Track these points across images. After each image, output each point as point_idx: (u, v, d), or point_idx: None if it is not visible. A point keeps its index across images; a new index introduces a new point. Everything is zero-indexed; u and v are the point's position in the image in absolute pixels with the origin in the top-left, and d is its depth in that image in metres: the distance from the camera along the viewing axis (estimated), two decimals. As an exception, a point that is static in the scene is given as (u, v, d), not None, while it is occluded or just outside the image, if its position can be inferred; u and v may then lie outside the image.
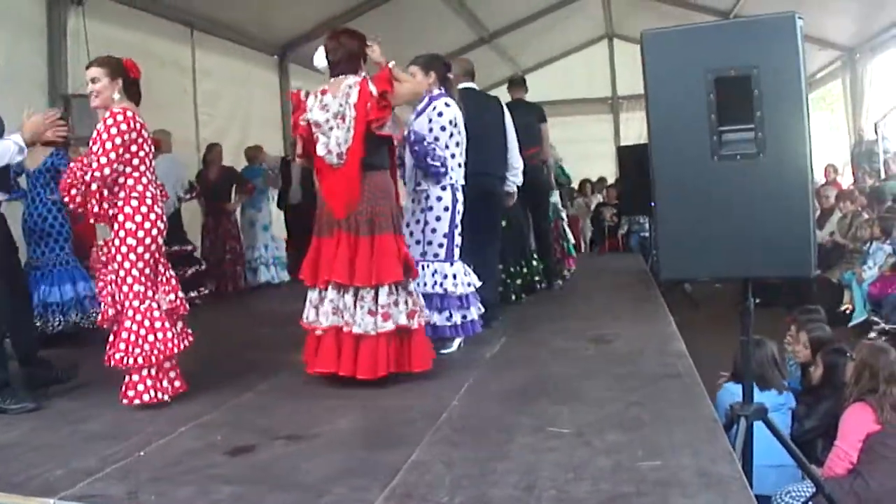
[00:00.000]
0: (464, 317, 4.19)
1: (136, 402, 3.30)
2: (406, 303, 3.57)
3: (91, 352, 3.76)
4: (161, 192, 3.50)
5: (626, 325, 4.86)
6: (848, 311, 6.94)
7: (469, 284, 4.20)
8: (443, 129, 4.14)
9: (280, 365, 4.04)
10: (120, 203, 3.33)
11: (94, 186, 3.26)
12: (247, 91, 9.02)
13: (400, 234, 3.69)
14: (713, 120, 2.68)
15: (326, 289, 3.55)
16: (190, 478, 2.50)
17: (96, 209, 3.31)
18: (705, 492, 2.20)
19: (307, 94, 3.66)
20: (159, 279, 3.44)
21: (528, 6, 11.41)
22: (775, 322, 5.09)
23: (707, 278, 4.36)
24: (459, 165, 4.21)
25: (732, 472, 2.33)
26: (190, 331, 3.59)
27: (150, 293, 3.36)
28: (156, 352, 3.30)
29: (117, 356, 3.30)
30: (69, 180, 3.34)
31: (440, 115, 4.14)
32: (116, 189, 3.33)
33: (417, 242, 4.12)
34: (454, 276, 4.13)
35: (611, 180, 12.25)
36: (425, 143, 4.04)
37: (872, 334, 6.38)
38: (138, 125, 3.34)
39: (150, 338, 3.30)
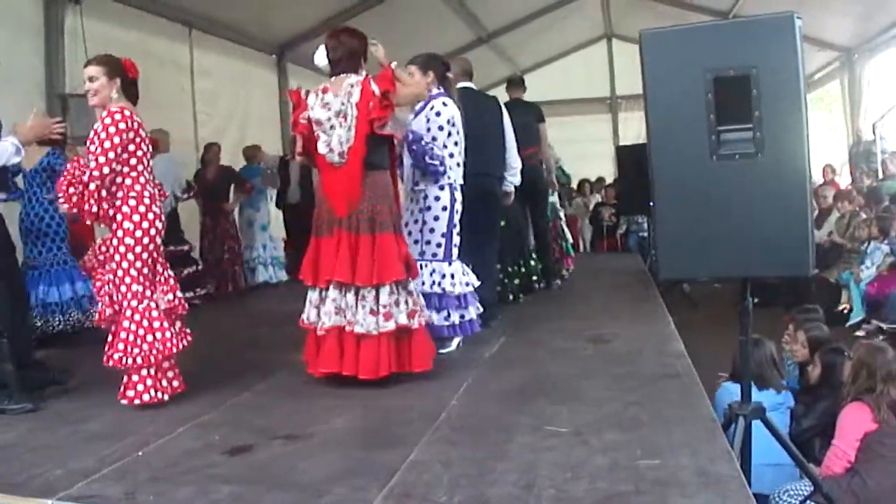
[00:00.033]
0: (462, 316, 4.19)
1: (136, 402, 3.30)
2: (406, 302, 3.57)
3: (89, 352, 3.75)
4: (159, 191, 3.50)
5: (625, 324, 4.86)
6: (846, 311, 6.95)
7: (467, 284, 4.20)
8: (440, 128, 4.14)
9: (278, 365, 4.03)
10: (118, 203, 3.32)
11: (92, 186, 3.25)
12: (245, 90, 9.01)
13: (400, 234, 3.69)
14: (712, 120, 2.68)
15: (328, 288, 3.54)
16: (188, 478, 2.50)
17: (94, 209, 3.29)
18: (704, 491, 2.20)
19: (307, 93, 3.66)
20: (157, 279, 3.44)
21: (526, 6, 11.41)
22: (774, 322, 5.09)
23: (706, 278, 4.36)
24: (458, 165, 4.21)
25: (731, 471, 2.34)
26: (188, 330, 3.59)
27: (148, 293, 3.36)
28: (154, 352, 3.30)
29: (116, 356, 3.30)
30: (66, 181, 3.33)
31: (438, 114, 4.14)
32: (114, 189, 3.32)
33: (416, 242, 4.11)
34: (452, 276, 4.13)
35: (609, 180, 12.27)
36: (423, 143, 4.04)
37: (860, 332, 6.42)
38: (136, 125, 3.34)
39: (149, 338, 3.30)
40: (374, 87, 3.47)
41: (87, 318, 4.87)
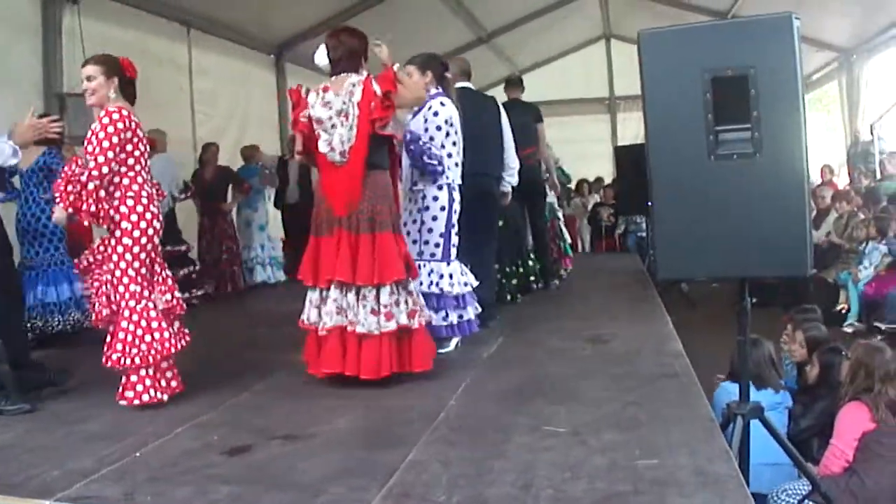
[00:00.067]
0: (460, 317, 4.19)
1: (136, 402, 3.29)
2: (406, 302, 3.57)
3: (88, 352, 3.75)
4: (157, 191, 3.50)
5: (623, 324, 4.87)
6: (844, 311, 6.95)
7: (466, 284, 4.20)
8: (438, 128, 4.14)
9: (277, 365, 4.03)
10: (116, 203, 3.31)
11: (91, 186, 3.24)
12: (244, 90, 9.01)
13: (399, 234, 3.69)
14: (710, 120, 2.68)
15: (328, 288, 3.53)
16: (187, 478, 2.49)
17: (93, 208, 3.28)
18: (702, 490, 2.20)
19: (307, 91, 3.66)
20: (156, 279, 3.43)
21: (525, 6, 11.42)
22: (772, 322, 5.09)
23: (704, 278, 4.36)
24: (456, 165, 4.21)
25: (729, 470, 2.34)
26: (187, 331, 3.58)
27: (146, 293, 3.35)
28: (153, 352, 3.30)
29: (114, 356, 3.30)
30: (64, 180, 3.31)
31: (436, 114, 4.14)
32: (112, 189, 3.31)
33: (414, 242, 4.11)
34: (450, 276, 4.13)
35: (608, 180, 12.28)
36: (421, 143, 4.04)
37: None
38: (133, 124, 3.33)
39: (147, 338, 3.30)
40: (376, 87, 3.47)
41: (87, 318, 4.85)
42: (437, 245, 4.14)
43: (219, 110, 8.49)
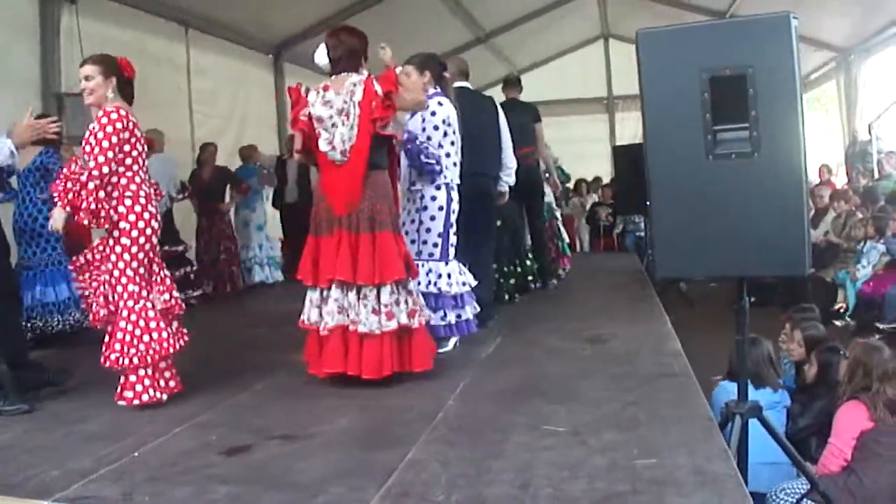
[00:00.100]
0: (458, 316, 4.19)
1: (136, 402, 3.29)
2: (406, 302, 3.57)
3: (88, 352, 3.75)
4: (155, 191, 3.49)
5: (622, 324, 4.86)
6: (842, 310, 6.96)
7: (464, 284, 4.20)
8: (436, 128, 4.14)
9: (276, 365, 4.03)
10: (114, 203, 3.31)
11: (91, 185, 3.22)
12: (242, 90, 9.01)
13: (399, 234, 3.69)
14: (708, 119, 2.69)
15: (329, 288, 3.53)
16: (186, 478, 2.49)
17: (93, 206, 3.25)
18: (701, 490, 2.20)
19: (307, 90, 3.66)
20: (154, 279, 3.43)
21: (523, 6, 11.43)
22: (770, 321, 5.09)
23: (702, 277, 4.37)
24: (454, 164, 4.21)
25: (728, 469, 2.34)
26: (185, 330, 3.58)
27: (144, 293, 3.35)
28: (151, 352, 3.29)
29: (113, 357, 3.29)
30: (63, 179, 3.30)
31: (433, 114, 4.14)
32: (110, 189, 3.31)
33: (412, 242, 4.11)
34: (449, 276, 4.13)
35: (606, 180, 12.29)
36: (418, 142, 4.04)
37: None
38: (131, 124, 3.33)
39: (146, 338, 3.29)
40: (377, 87, 3.47)
41: (86, 317, 4.85)
42: (435, 245, 4.14)
43: (217, 110, 8.49)
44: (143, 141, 3.43)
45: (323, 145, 3.56)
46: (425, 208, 4.14)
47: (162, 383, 3.38)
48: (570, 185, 11.26)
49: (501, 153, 5.07)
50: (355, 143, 3.50)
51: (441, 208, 4.13)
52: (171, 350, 3.38)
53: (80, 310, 4.92)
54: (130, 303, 3.31)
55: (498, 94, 6.26)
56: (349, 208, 3.51)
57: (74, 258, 3.51)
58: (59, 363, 3.99)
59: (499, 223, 5.40)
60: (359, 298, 3.49)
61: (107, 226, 3.30)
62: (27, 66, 5.88)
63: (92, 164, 3.21)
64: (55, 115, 5.36)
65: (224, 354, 4.51)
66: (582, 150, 12.57)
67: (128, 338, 3.28)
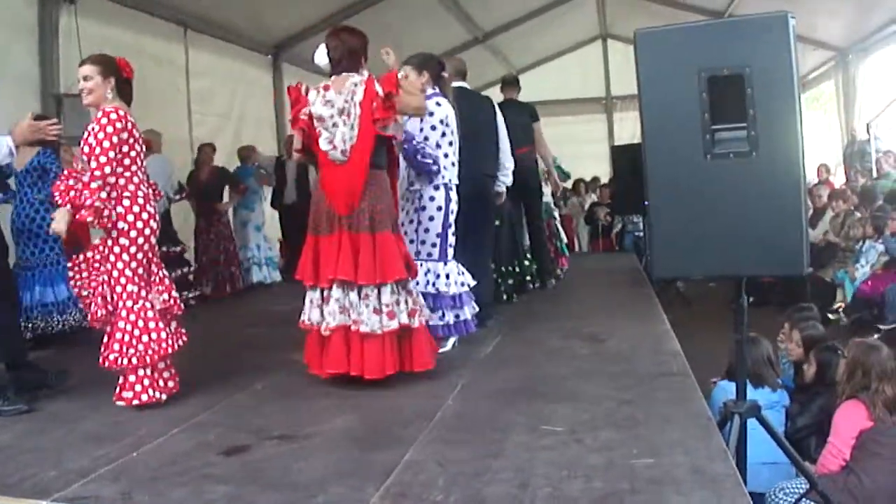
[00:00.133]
0: (457, 316, 4.19)
1: (135, 402, 3.29)
2: (406, 302, 3.57)
3: (87, 352, 3.74)
4: (154, 191, 3.49)
5: (620, 323, 4.86)
6: (841, 310, 6.97)
7: (463, 284, 4.20)
8: (433, 128, 4.14)
9: (275, 365, 4.03)
10: (112, 203, 3.30)
11: (94, 185, 3.21)
12: (240, 91, 9.00)
13: (398, 233, 3.70)
14: (706, 119, 2.69)
15: (330, 288, 3.52)
16: (184, 478, 2.49)
17: (98, 204, 3.22)
18: (699, 489, 2.20)
19: (307, 89, 3.66)
20: (152, 279, 3.43)
21: (521, 6, 11.43)
22: (769, 320, 5.10)
23: (701, 277, 4.37)
24: (453, 164, 4.21)
25: (726, 469, 2.34)
26: (184, 331, 3.58)
27: (143, 293, 3.35)
28: (150, 352, 3.29)
29: (111, 357, 3.29)
30: (65, 178, 3.30)
31: (431, 114, 4.13)
32: (109, 189, 3.31)
33: (411, 242, 4.11)
34: (447, 276, 4.13)
35: (604, 180, 12.28)
36: (414, 142, 4.05)
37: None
38: (130, 125, 3.33)
39: (145, 338, 3.29)
40: (378, 88, 3.47)
41: (85, 317, 4.85)
42: (433, 245, 4.14)
43: (215, 111, 8.49)
44: (141, 141, 3.43)
45: (323, 144, 3.56)
46: (424, 208, 4.14)
47: (161, 383, 3.37)
48: (569, 184, 11.25)
49: (499, 153, 5.07)
50: (356, 143, 3.50)
51: (440, 208, 4.14)
52: (170, 350, 3.38)
53: (79, 310, 4.93)
54: (129, 303, 3.31)
55: (496, 95, 6.27)
56: (349, 208, 3.51)
57: (74, 257, 3.50)
58: (58, 363, 3.99)
59: (497, 223, 5.40)
60: (360, 298, 3.48)
61: (108, 225, 3.30)
62: (26, 67, 5.87)
63: (94, 164, 3.21)
64: (54, 115, 5.37)
65: (222, 354, 4.51)
66: (580, 150, 12.56)
67: (127, 338, 3.28)
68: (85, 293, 3.45)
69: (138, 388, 3.29)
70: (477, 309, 4.34)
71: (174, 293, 3.52)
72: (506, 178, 5.15)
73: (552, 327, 4.86)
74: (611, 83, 13.97)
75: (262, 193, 8.22)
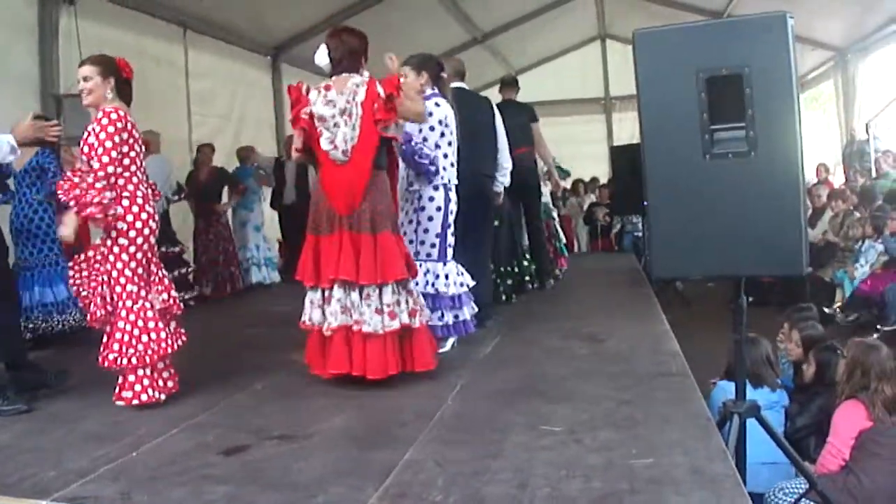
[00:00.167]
0: (456, 317, 4.19)
1: (135, 402, 3.29)
2: (407, 302, 3.57)
3: (86, 352, 3.74)
4: (153, 191, 3.50)
5: (619, 324, 4.87)
6: (837, 308, 6.97)
7: (462, 285, 4.20)
8: (432, 128, 4.14)
9: (274, 365, 4.03)
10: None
11: (99, 185, 3.21)
12: (240, 92, 9.00)
13: (398, 234, 3.70)
14: (705, 119, 2.69)
15: (331, 288, 3.52)
16: (183, 478, 2.49)
17: (106, 200, 3.22)
18: (698, 489, 2.21)
19: (308, 89, 3.66)
20: (152, 279, 3.43)
21: (520, 7, 11.43)
22: (768, 320, 5.10)
23: (700, 277, 4.37)
24: (452, 165, 4.22)
25: (726, 469, 2.34)
26: (183, 330, 3.58)
27: (143, 293, 3.35)
28: (150, 352, 3.29)
29: (111, 357, 3.29)
30: (69, 178, 3.30)
31: (430, 114, 4.13)
32: (110, 188, 3.31)
33: (410, 242, 4.11)
34: (446, 276, 4.13)
35: (603, 180, 12.29)
36: (413, 143, 4.05)
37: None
38: (130, 125, 3.34)
39: (144, 338, 3.29)
40: (380, 90, 3.48)
41: (85, 317, 4.85)
42: (433, 245, 4.14)
43: (215, 111, 8.49)
44: (140, 142, 3.43)
45: (325, 144, 3.56)
46: (423, 209, 4.14)
47: (160, 383, 3.38)
48: (568, 183, 11.25)
49: (497, 153, 5.07)
50: (357, 144, 3.50)
51: (439, 209, 4.14)
52: (170, 350, 3.38)
53: (79, 310, 4.93)
54: (129, 303, 3.31)
55: (495, 95, 6.27)
56: (350, 208, 3.51)
57: (76, 257, 3.50)
58: (58, 363, 3.99)
59: (496, 223, 5.40)
60: (362, 298, 3.48)
61: (112, 223, 3.29)
62: (26, 67, 5.88)
63: (97, 164, 3.21)
64: (54, 115, 5.37)
65: (222, 355, 4.51)
66: (579, 151, 12.55)
67: (126, 338, 3.28)
68: (84, 293, 3.45)
69: (138, 387, 3.30)
70: (476, 309, 4.34)
71: (174, 293, 3.52)
72: (504, 178, 5.15)
73: (551, 327, 4.87)
74: (609, 83, 13.96)
75: (262, 194, 8.21)
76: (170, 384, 3.44)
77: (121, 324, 3.30)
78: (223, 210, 7.58)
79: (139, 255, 3.33)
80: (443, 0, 10.00)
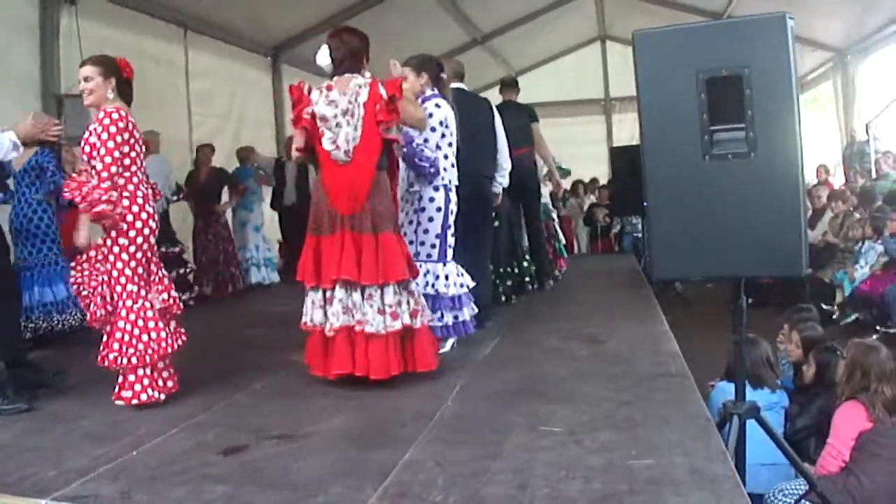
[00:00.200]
0: (456, 317, 4.19)
1: (134, 401, 3.29)
2: (408, 302, 3.57)
3: (86, 351, 3.75)
4: (154, 191, 3.50)
5: (619, 324, 4.87)
6: (835, 307, 6.97)
7: (462, 285, 4.21)
8: (433, 129, 4.14)
9: (273, 365, 4.03)
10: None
11: (105, 185, 3.22)
12: (240, 92, 9.01)
13: (399, 234, 3.70)
14: (704, 120, 2.69)
15: (333, 288, 3.52)
16: (183, 478, 2.49)
17: (114, 197, 3.24)
18: (698, 490, 2.21)
19: (310, 89, 3.66)
20: (152, 279, 3.44)
21: (520, 8, 11.43)
22: (767, 321, 5.10)
23: (699, 278, 4.37)
24: (452, 166, 4.22)
25: (725, 470, 2.34)
26: (183, 330, 3.58)
27: (142, 293, 3.35)
28: (150, 351, 3.30)
29: (111, 356, 3.29)
30: (76, 180, 3.30)
31: (430, 115, 4.13)
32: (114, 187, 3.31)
33: (410, 243, 4.11)
34: (446, 277, 4.13)
35: (603, 181, 12.29)
36: (413, 145, 4.05)
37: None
38: (131, 125, 3.34)
39: (144, 337, 3.30)
40: (382, 91, 3.49)
41: (86, 317, 4.85)
42: (433, 246, 4.14)
43: (215, 112, 8.50)
44: (140, 142, 3.43)
45: (326, 144, 3.56)
46: (423, 209, 4.14)
47: (160, 383, 3.38)
48: (568, 183, 11.25)
49: (497, 154, 5.07)
50: (359, 144, 3.51)
51: (439, 209, 4.14)
52: (169, 350, 3.39)
53: (79, 310, 4.93)
54: (129, 302, 3.31)
55: (495, 96, 6.27)
56: (352, 209, 3.51)
57: (78, 256, 3.51)
58: (58, 363, 4.00)
59: (496, 224, 5.40)
60: (363, 298, 3.48)
61: (117, 220, 3.30)
62: (27, 67, 5.89)
63: (99, 164, 3.22)
64: (54, 115, 5.37)
65: (222, 354, 4.51)
66: (579, 152, 12.53)
67: (126, 337, 3.28)
68: (84, 293, 3.46)
69: (137, 387, 3.30)
70: (476, 310, 4.34)
71: (173, 293, 3.52)
72: (503, 179, 5.15)
73: (551, 328, 4.87)
74: (609, 84, 13.96)
75: (261, 194, 8.22)
76: (169, 384, 3.44)
77: (121, 323, 3.30)
78: (223, 210, 7.58)
79: (139, 255, 3.33)
80: (442, 1, 10.00)
